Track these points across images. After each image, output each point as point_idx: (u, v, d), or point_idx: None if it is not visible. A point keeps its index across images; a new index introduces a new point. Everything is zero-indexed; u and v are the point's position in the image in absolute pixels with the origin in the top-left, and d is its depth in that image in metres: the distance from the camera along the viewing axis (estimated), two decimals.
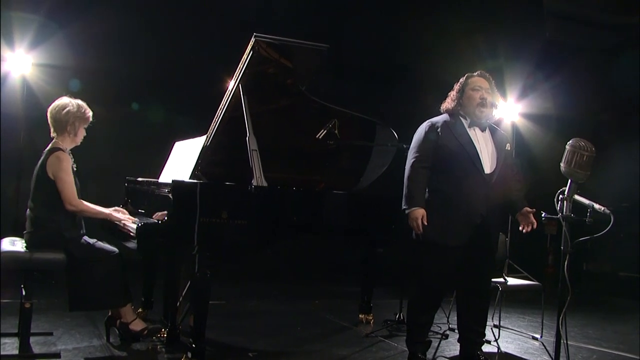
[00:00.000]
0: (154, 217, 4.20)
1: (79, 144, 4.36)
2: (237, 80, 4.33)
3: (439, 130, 4.12)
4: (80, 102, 4.32)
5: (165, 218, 3.94)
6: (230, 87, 4.40)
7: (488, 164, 4.10)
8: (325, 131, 4.86)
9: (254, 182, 4.05)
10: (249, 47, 4.22)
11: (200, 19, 8.26)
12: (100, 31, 7.44)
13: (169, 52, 8.07)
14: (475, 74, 4.27)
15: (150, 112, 8.04)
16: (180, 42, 8.12)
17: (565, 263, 3.61)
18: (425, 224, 4.01)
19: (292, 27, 6.56)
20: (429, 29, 8.92)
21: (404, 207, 4.08)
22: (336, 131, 4.86)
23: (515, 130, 8.68)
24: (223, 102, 4.43)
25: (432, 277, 4.14)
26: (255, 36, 4.18)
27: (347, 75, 8.74)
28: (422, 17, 9.04)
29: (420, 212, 4.01)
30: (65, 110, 4.21)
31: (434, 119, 4.23)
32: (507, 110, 8.38)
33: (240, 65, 4.32)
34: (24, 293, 3.96)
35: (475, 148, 4.09)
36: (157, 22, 7.98)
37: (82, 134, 4.33)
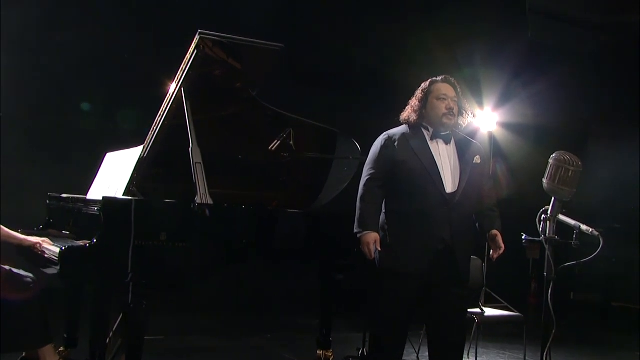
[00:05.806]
0: None
1: None
2: (179, 83, 4.30)
3: (395, 144, 4.13)
4: None
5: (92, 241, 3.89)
6: (171, 91, 4.37)
7: (450, 182, 4.08)
8: (279, 142, 4.87)
9: (198, 199, 4.02)
10: (193, 45, 4.19)
11: (138, 14, 8.20)
12: (18, 24, 7.32)
13: (101, 49, 7.98)
14: (439, 79, 4.24)
15: (77, 117, 7.92)
16: (114, 39, 8.04)
17: (550, 291, 3.65)
18: (379, 249, 4.02)
19: (246, 24, 6.57)
20: (400, 31, 9.01)
21: (355, 230, 4.09)
22: (291, 142, 4.86)
23: (492, 141, 8.79)
24: (163, 107, 4.39)
25: (389, 309, 4.12)
26: (199, 33, 4.15)
27: (306, 79, 8.75)
28: (392, 18, 9.14)
29: (372, 237, 4.02)
30: None
31: (392, 131, 4.23)
32: (484, 119, 8.49)
33: (182, 66, 4.29)
34: None
35: (436, 164, 4.08)
36: (85, 15, 7.90)
37: None
